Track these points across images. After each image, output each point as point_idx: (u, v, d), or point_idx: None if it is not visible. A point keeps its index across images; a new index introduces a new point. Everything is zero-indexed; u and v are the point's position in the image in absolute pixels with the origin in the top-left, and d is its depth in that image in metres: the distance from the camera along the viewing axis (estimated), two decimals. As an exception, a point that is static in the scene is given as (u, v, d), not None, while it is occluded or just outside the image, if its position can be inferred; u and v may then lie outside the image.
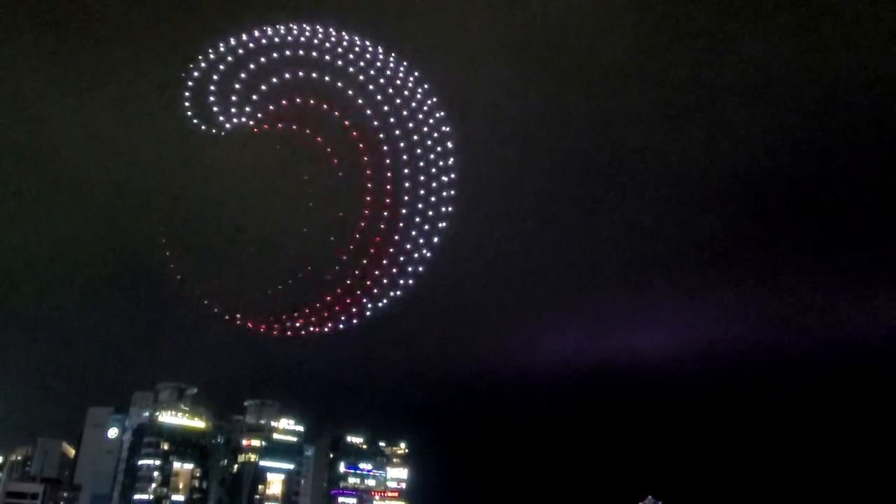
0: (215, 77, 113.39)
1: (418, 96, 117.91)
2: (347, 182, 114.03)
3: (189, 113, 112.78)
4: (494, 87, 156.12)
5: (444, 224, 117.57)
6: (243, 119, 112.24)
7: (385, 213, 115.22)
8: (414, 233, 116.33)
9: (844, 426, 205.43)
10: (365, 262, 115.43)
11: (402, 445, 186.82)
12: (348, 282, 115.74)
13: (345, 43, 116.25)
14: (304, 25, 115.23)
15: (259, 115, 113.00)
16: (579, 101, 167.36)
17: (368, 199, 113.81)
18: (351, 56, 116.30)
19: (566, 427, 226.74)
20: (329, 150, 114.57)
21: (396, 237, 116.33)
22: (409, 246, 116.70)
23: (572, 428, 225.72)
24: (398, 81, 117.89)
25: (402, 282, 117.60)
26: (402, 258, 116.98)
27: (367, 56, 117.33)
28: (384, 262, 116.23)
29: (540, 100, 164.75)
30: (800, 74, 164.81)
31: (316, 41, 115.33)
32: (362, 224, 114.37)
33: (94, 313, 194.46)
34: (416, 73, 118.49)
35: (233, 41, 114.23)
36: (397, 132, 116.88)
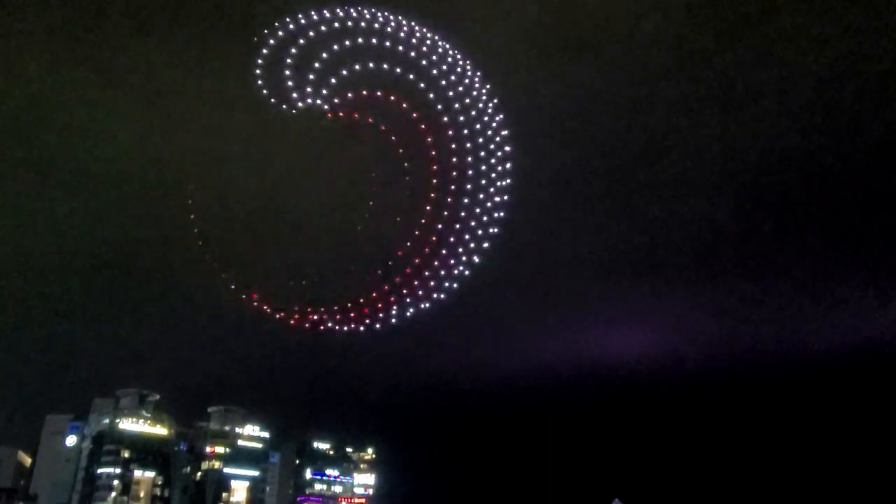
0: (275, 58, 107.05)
1: (475, 91, 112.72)
2: (413, 179, 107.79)
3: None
4: (528, 74, 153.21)
5: (493, 232, 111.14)
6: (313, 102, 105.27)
7: (443, 217, 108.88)
8: (461, 243, 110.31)
9: (820, 430, 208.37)
10: (409, 268, 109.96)
11: (370, 451, 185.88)
12: (386, 286, 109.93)
13: (406, 30, 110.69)
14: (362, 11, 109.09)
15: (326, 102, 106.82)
16: (606, 91, 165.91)
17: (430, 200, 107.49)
18: (414, 44, 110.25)
19: (535, 432, 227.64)
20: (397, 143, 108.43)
21: (445, 246, 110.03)
22: (453, 256, 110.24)
23: (542, 432, 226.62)
24: (458, 73, 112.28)
25: (434, 294, 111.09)
26: (443, 269, 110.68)
27: (428, 43, 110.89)
28: (427, 269, 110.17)
29: (570, 89, 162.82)
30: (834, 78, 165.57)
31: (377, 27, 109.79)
32: (418, 228, 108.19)
33: (52, 317, 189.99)
34: (468, 63, 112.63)
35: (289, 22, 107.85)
36: (460, 130, 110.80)
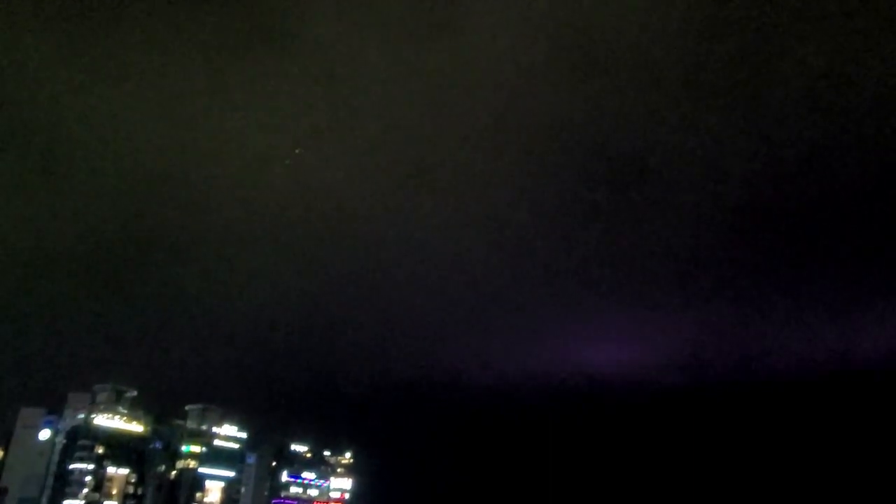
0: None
1: None
2: None
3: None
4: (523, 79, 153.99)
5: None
6: None
7: None
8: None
9: (814, 437, 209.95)
10: None
11: (347, 455, 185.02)
12: None
13: None
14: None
15: None
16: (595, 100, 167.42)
17: None
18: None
19: (514, 438, 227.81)
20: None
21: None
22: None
23: (520, 439, 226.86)
24: None
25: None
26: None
27: None
28: None
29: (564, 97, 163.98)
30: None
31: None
32: None
33: (29, 309, 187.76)
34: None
35: None
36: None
